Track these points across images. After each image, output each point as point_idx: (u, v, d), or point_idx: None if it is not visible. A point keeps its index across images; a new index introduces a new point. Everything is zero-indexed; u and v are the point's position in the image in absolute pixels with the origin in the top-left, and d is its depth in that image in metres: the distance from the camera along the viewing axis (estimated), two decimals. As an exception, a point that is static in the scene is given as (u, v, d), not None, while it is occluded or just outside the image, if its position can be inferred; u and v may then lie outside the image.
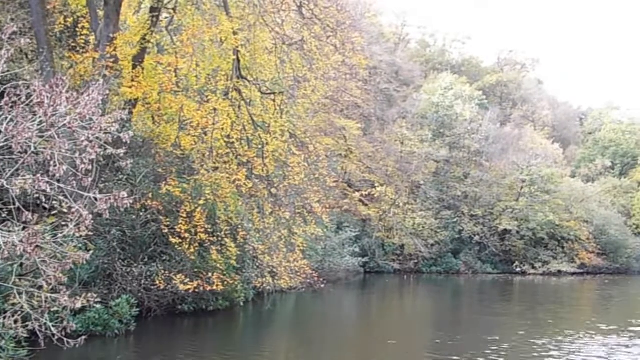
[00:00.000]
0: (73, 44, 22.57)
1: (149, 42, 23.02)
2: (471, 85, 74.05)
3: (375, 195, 54.64)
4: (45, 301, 10.76)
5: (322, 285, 24.91)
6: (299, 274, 22.64)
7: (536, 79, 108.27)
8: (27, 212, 9.99)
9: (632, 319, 24.53)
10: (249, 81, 22.52)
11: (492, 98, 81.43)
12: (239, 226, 22.73)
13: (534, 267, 61.25)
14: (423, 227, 57.02)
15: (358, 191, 53.80)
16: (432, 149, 60.11)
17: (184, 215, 19.94)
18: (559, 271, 61.26)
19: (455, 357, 15.73)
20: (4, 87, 10.22)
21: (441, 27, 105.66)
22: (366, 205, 54.46)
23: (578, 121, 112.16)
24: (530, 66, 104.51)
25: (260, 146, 21.94)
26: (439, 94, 65.95)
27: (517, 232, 62.00)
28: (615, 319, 24.86)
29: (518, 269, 60.89)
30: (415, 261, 56.48)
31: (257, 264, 23.77)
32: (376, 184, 54.83)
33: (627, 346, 17.09)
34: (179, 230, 19.81)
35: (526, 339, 18.97)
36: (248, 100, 22.92)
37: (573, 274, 61.37)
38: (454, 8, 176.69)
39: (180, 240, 19.80)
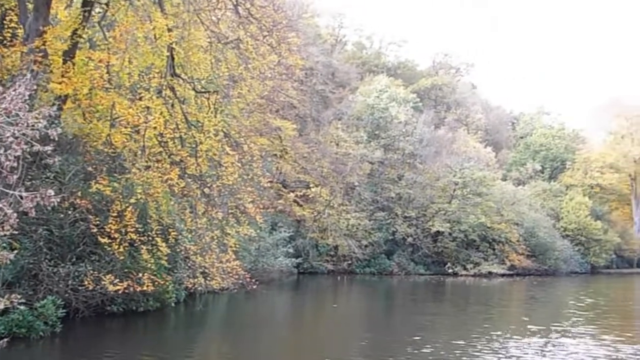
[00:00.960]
0: (0, 37, 21.90)
1: (80, 37, 22.51)
2: (406, 88, 74.87)
3: (310, 196, 54.71)
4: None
5: (255, 286, 24.74)
6: (231, 274, 22.45)
7: (470, 83, 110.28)
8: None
9: (558, 320, 25.09)
10: (183, 79, 22.26)
11: (427, 101, 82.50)
12: (171, 226, 22.46)
13: (465, 269, 62.14)
14: (357, 228, 57.33)
15: (293, 192, 53.79)
16: (367, 150, 60.49)
17: (114, 215, 19.56)
18: (490, 272, 62.26)
19: (379, 358, 15.83)
20: None
21: (377, 30, 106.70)
22: (301, 205, 54.47)
23: (510, 125, 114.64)
24: (464, 70, 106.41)
25: (193, 145, 21.70)
26: (375, 96, 66.46)
27: (450, 234, 62.81)
28: (542, 320, 25.39)
29: (450, 270, 61.67)
30: (349, 262, 56.75)
31: (189, 265, 23.49)
32: (311, 185, 54.89)
33: (554, 345, 17.44)
34: (108, 229, 19.41)
35: (451, 339, 19.18)
36: (182, 99, 22.66)
37: (503, 275, 62.50)
38: (390, 11, 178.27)
39: (110, 240, 19.41)
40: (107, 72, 21.98)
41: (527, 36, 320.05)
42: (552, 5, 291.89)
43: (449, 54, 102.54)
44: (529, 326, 21.61)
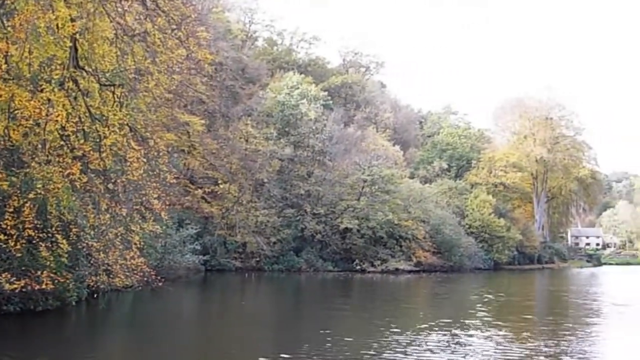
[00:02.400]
0: None
1: (-24, 26, 21.50)
2: (317, 86, 75.13)
3: (218, 193, 54.24)
4: None
5: (160, 284, 24.28)
6: (135, 272, 21.92)
7: (379, 82, 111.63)
8: None
9: (459, 316, 25.61)
10: (86, 72, 21.55)
11: (337, 99, 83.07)
12: (73, 222, 21.75)
13: (373, 265, 62.93)
14: (266, 225, 57.23)
15: (201, 188, 53.16)
16: (276, 147, 60.45)
17: (11, 210, 18.78)
18: (397, 269, 63.30)
19: (282, 356, 15.77)
20: None
21: (289, 27, 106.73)
22: (209, 202, 53.90)
23: (418, 124, 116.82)
24: (374, 69, 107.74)
25: (97, 140, 21.04)
26: (285, 93, 66.45)
27: (358, 231, 63.42)
28: (444, 316, 25.87)
29: (358, 267, 62.33)
30: (257, 259, 56.53)
31: (92, 262, 22.84)
32: (219, 181, 54.43)
33: (453, 340, 17.75)
34: (4, 225, 18.62)
35: (354, 335, 19.25)
36: (85, 92, 21.93)
37: (410, 271, 63.61)
38: (302, 9, 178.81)
39: (6, 237, 18.62)
40: (6, 63, 21.08)
41: (435, 37, 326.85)
42: (460, 7, 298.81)
43: (359, 53, 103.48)
44: (431, 322, 21.96)
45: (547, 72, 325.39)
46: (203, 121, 51.51)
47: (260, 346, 17.81)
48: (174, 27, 22.75)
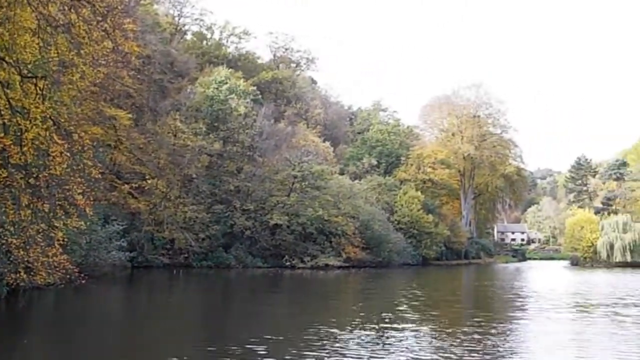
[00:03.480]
0: None
1: None
2: (247, 81, 74.68)
3: (146, 188, 53.31)
4: None
5: (84, 281, 23.72)
6: (58, 269, 21.36)
7: (310, 78, 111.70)
8: None
9: (389, 310, 25.75)
10: (7, 62, 20.86)
11: (267, 94, 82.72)
12: (-10, 219, 21.03)
13: (303, 261, 62.94)
14: (194, 221, 56.58)
15: (127, 183, 52.16)
16: (205, 142, 59.76)
17: None
18: (327, 265, 63.44)
19: (206, 355, 15.55)
20: None
21: (218, 21, 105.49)
22: (136, 198, 52.92)
23: (348, 121, 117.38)
24: (305, 65, 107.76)
25: (18, 133, 20.38)
26: (214, 88, 65.85)
27: (288, 227, 63.35)
28: (374, 310, 25.99)
29: (288, 263, 62.26)
30: (186, 255, 55.81)
31: (11, 259, 22.11)
32: (147, 177, 53.51)
33: (379, 336, 17.80)
34: None
35: (281, 332, 19.12)
36: (6, 83, 21.23)
37: (339, 267, 63.88)
38: (232, 3, 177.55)
39: None
40: None
41: (366, 33, 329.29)
42: (392, 4, 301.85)
43: (290, 49, 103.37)
44: (360, 318, 22.02)
45: (475, 71, 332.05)
46: (130, 115, 50.53)
47: (183, 344, 17.49)
48: (100, 18, 22.20)
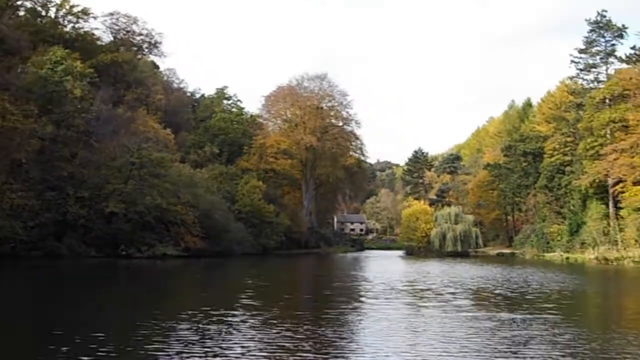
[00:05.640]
0: None
1: None
2: (84, 62, 71.31)
3: (-31, 173, 49.78)
4: None
5: None
6: None
7: (152, 63, 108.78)
8: None
9: (227, 300, 25.30)
10: None
11: (106, 78, 79.43)
12: None
13: (139, 251, 61.25)
14: (23, 209, 53.33)
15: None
16: (37, 125, 56.49)
17: None
18: (164, 254, 62.17)
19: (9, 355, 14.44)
20: None
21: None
22: (-43, 183, 49.30)
23: (191, 108, 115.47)
24: (147, 49, 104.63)
25: None
26: (48, 68, 62.37)
27: (125, 215, 61.30)
28: (211, 301, 25.42)
29: (124, 252, 60.38)
30: (13, 245, 52.45)
31: None
32: (-30, 160, 49.98)
33: (224, 328, 17.30)
34: None
35: (103, 328, 18.19)
36: None
37: (178, 256, 62.76)
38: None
39: None
40: None
41: (211, 20, 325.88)
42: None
43: (131, 31, 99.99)
44: (195, 309, 21.36)
45: (320, 62, 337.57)
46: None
47: None
48: None
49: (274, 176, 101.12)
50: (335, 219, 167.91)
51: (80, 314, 20.79)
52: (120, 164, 64.60)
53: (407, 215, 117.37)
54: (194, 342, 15.11)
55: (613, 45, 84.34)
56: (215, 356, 13.44)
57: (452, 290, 31.64)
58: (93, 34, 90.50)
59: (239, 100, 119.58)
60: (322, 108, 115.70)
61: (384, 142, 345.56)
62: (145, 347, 14.47)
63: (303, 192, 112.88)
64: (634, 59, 66.83)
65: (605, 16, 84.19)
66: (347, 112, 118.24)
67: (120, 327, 18.33)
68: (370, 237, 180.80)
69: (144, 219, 62.44)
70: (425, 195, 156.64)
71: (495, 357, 13.88)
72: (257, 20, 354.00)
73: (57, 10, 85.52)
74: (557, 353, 14.28)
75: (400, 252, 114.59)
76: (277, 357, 13.64)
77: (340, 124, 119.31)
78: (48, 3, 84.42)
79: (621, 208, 71.49)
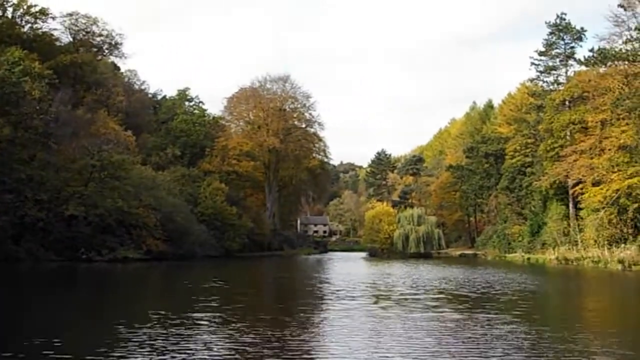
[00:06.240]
0: None
1: None
2: (43, 63, 70.19)
3: None
4: None
5: None
6: None
7: (112, 64, 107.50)
8: None
9: (185, 305, 24.99)
10: None
11: (65, 79, 78.24)
12: None
13: (100, 254, 60.21)
14: (-21, 212, 52.37)
15: None
16: (-6, 127, 55.51)
17: None
18: (126, 257, 61.32)
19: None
20: None
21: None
22: None
23: (152, 109, 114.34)
24: (107, 50, 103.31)
25: None
26: (6, 69, 61.13)
27: (85, 218, 60.39)
28: (169, 306, 25.11)
29: (84, 256, 59.33)
30: (-33, 249, 51.53)
31: None
32: None
33: (163, 333, 17.02)
34: None
35: (67, 334, 17.87)
36: None
37: (139, 260, 62.03)
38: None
39: None
40: None
41: (175, 21, 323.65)
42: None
43: (91, 32, 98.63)
44: (153, 314, 21.03)
45: (283, 63, 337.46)
46: None
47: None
48: None
49: (236, 178, 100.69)
50: (299, 221, 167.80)
51: (36, 319, 20.32)
52: (80, 167, 63.67)
53: (370, 217, 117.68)
54: (151, 346, 14.85)
55: (572, 47, 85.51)
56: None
57: (414, 291, 31.73)
58: (52, 35, 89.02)
59: (201, 102, 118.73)
60: (285, 110, 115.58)
61: (347, 144, 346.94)
62: (101, 352, 14.15)
63: (266, 194, 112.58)
64: (592, 61, 67.49)
65: (564, 19, 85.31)
66: (310, 114, 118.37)
67: (76, 332, 17.94)
68: (333, 238, 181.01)
69: (104, 222, 61.61)
70: (388, 196, 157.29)
71: (457, 357, 13.86)
72: (219, 21, 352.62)
73: (15, 10, 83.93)
74: (519, 353, 14.32)
75: (364, 254, 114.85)
76: (238, 360, 13.45)
77: (304, 125, 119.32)
78: (5, 3, 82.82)
79: (581, 209, 72.33)
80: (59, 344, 14.93)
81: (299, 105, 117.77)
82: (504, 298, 28.25)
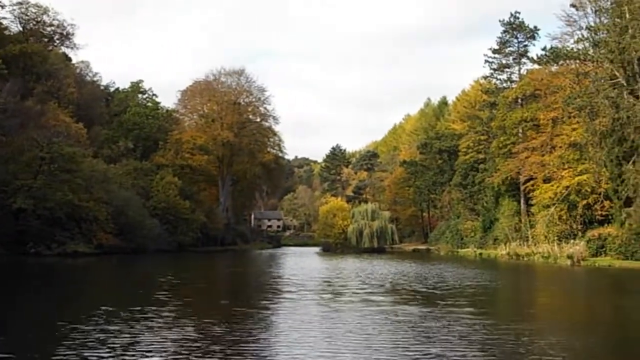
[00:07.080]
0: None
1: None
2: (-9, 53, 68.60)
3: None
4: None
5: None
6: None
7: (64, 55, 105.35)
8: None
9: (135, 299, 24.60)
10: None
11: (14, 69, 76.43)
12: None
13: (49, 248, 59.06)
14: None
15: None
16: (-61, 117, 54.00)
17: None
18: (76, 252, 60.28)
19: None
20: None
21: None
22: None
23: (104, 102, 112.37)
24: (58, 40, 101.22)
25: None
26: (-48, 58, 59.74)
27: (34, 212, 59.17)
28: (118, 300, 24.67)
29: (32, 250, 58.16)
30: None
31: None
32: None
33: (114, 328, 16.66)
34: None
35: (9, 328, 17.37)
36: None
37: (90, 254, 61.07)
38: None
39: None
40: None
41: (123, 14, 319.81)
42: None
43: (42, 21, 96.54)
44: (99, 309, 20.56)
45: (237, 56, 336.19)
46: None
47: None
48: None
49: (190, 172, 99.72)
50: (253, 216, 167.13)
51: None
52: (29, 159, 62.34)
53: (325, 212, 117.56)
54: (98, 341, 14.49)
55: (525, 46, 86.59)
56: (118, 356, 12.89)
57: (367, 286, 31.75)
58: (0, 24, 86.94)
59: (154, 95, 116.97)
60: (239, 103, 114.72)
61: (302, 139, 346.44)
62: (45, 348, 13.75)
63: (220, 188, 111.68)
64: (545, 60, 68.40)
65: (518, 17, 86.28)
66: (265, 108, 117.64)
67: (20, 328, 17.46)
68: (287, 233, 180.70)
69: (54, 215, 60.43)
70: (343, 192, 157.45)
71: (409, 350, 13.80)
72: (174, 14, 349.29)
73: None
74: (471, 345, 14.33)
75: (318, 249, 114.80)
76: (187, 355, 13.18)
77: (258, 119, 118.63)
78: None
79: (532, 205, 73.33)
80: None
81: (253, 99, 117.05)
82: (457, 292, 28.44)
